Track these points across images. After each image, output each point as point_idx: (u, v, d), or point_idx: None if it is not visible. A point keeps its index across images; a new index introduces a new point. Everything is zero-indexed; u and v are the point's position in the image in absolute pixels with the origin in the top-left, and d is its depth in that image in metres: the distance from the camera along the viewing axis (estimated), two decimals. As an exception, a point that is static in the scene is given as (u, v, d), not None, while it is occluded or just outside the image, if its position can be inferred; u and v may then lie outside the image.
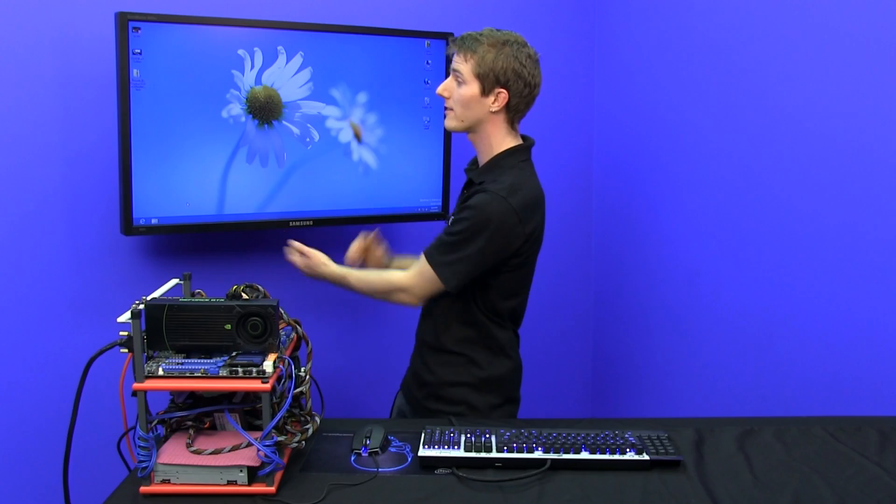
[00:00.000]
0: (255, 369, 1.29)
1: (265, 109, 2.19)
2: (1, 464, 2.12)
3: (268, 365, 1.30)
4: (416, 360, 1.90)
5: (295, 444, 1.38)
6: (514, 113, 1.76)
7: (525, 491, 1.32)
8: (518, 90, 1.73)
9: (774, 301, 2.05)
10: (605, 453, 1.39)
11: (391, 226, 2.50)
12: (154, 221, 2.08)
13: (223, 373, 1.30)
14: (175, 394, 1.43)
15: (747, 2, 2.10)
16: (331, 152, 2.31)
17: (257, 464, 1.31)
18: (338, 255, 2.53)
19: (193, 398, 1.43)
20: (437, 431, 1.47)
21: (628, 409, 2.77)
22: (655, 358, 2.61)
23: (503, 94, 1.72)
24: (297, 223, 2.28)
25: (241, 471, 1.31)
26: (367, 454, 1.45)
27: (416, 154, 2.42)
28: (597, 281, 2.95)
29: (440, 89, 1.78)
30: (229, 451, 1.33)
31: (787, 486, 1.32)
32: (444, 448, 1.41)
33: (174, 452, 1.33)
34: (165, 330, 1.33)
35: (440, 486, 1.34)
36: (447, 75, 1.83)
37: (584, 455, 1.39)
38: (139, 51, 1.99)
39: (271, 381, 1.29)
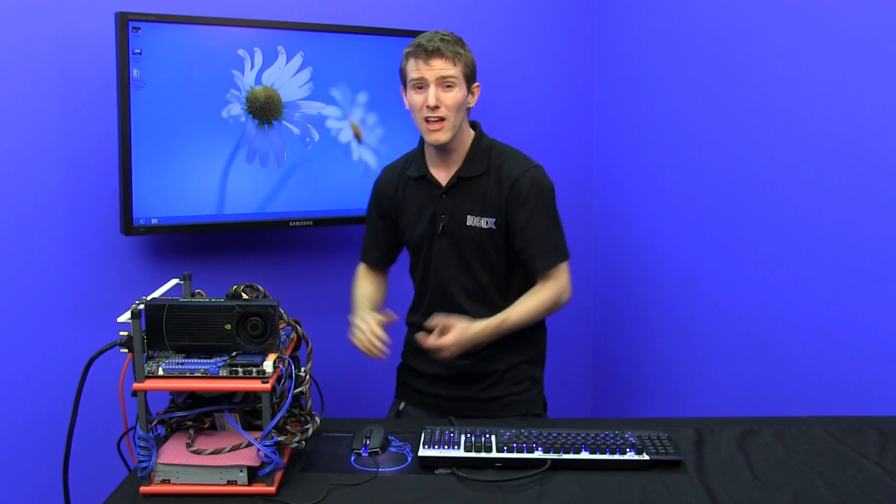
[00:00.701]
0: (255, 369, 1.29)
1: (265, 109, 2.19)
2: (1, 464, 2.12)
3: (268, 365, 1.30)
4: (458, 359, 1.81)
5: (295, 444, 1.38)
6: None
7: (525, 491, 1.32)
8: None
9: (774, 301, 2.05)
10: (605, 453, 1.39)
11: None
12: (154, 221, 2.08)
13: (223, 373, 1.30)
14: (175, 394, 1.43)
15: (747, 2, 2.10)
16: (331, 152, 2.31)
17: (257, 464, 1.32)
18: (338, 255, 2.54)
19: (193, 398, 1.43)
20: (437, 431, 1.47)
21: (628, 409, 2.77)
22: (655, 358, 2.61)
23: (477, 88, 1.82)
24: (297, 223, 2.28)
25: (241, 471, 1.31)
26: (367, 454, 1.45)
27: (416, 154, 2.42)
28: (597, 281, 2.95)
29: (432, 101, 1.71)
30: (229, 451, 1.33)
31: (787, 486, 1.32)
32: (444, 448, 1.41)
33: (174, 452, 1.33)
34: (165, 330, 1.33)
35: (440, 486, 1.34)
36: (403, 84, 1.79)
37: (584, 455, 1.39)
38: (139, 51, 1.99)
39: (271, 381, 1.29)
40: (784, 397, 2.03)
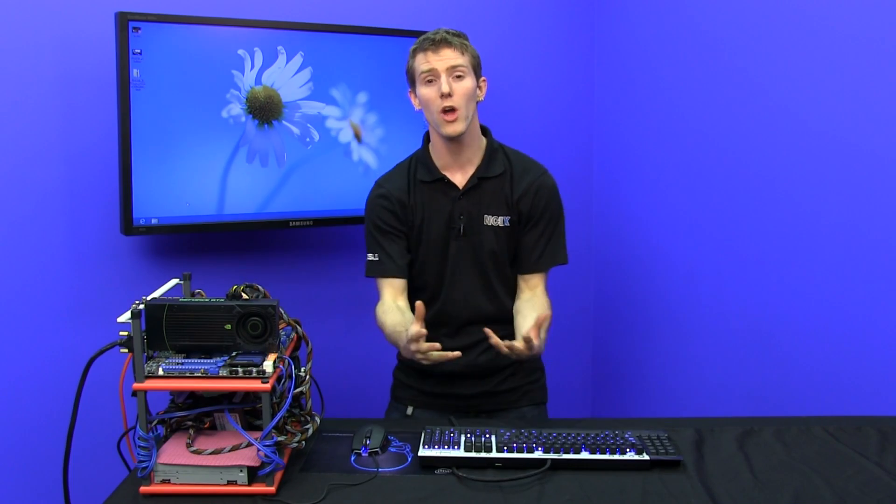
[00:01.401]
0: (255, 369, 1.29)
1: (265, 109, 2.19)
2: (1, 464, 2.12)
3: (268, 365, 1.30)
4: (474, 356, 1.84)
5: (295, 444, 1.38)
6: None
7: (525, 491, 1.32)
8: None
9: (774, 301, 2.05)
10: (605, 453, 1.39)
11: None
12: (154, 221, 2.08)
13: (223, 373, 1.30)
14: (175, 394, 1.43)
15: (747, 2, 2.10)
16: (331, 152, 2.31)
17: (257, 464, 1.31)
18: (338, 255, 2.53)
19: (193, 398, 1.43)
20: (437, 431, 1.47)
21: (628, 409, 2.77)
22: (655, 358, 2.61)
23: (485, 82, 1.85)
24: (297, 223, 2.29)
25: (241, 471, 1.31)
26: (367, 454, 1.45)
27: (416, 154, 2.42)
28: (597, 281, 2.95)
29: (445, 88, 1.71)
30: (229, 451, 1.33)
31: (787, 486, 1.32)
32: (444, 448, 1.41)
33: (174, 452, 1.33)
34: (165, 330, 1.33)
35: (440, 486, 1.34)
36: (412, 84, 1.80)
37: (584, 455, 1.39)
38: (139, 51, 1.99)
39: (271, 381, 1.29)
40: (784, 397, 2.03)
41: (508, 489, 1.33)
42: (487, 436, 1.44)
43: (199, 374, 1.30)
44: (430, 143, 1.86)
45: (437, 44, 1.74)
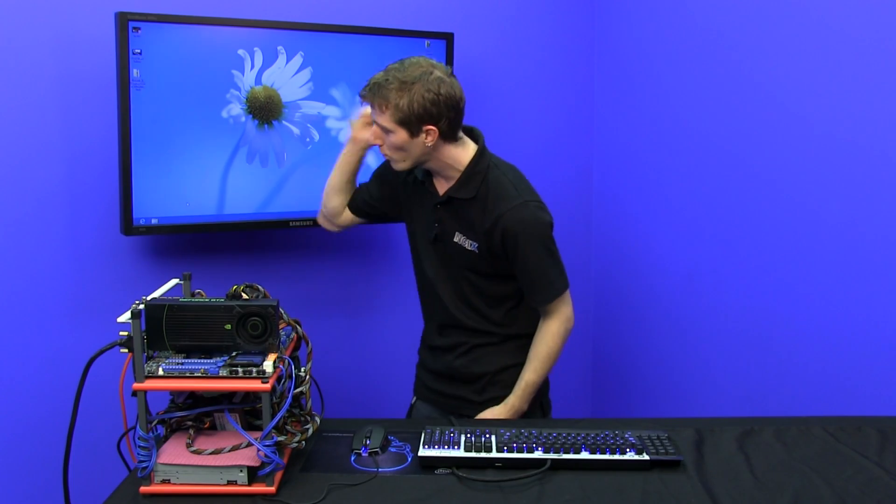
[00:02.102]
0: (255, 369, 1.29)
1: (265, 109, 2.19)
2: (1, 464, 2.12)
3: (268, 365, 1.30)
4: (452, 358, 1.87)
5: (295, 444, 1.38)
6: (450, 133, 1.73)
7: (525, 491, 1.32)
8: (444, 117, 1.68)
9: (774, 301, 2.05)
10: (605, 453, 1.39)
11: (391, 226, 2.50)
12: (154, 221, 2.08)
13: (223, 373, 1.30)
14: (175, 394, 1.43)
15: (747, 3, 2.10)
16: (331, 152, 2.31)
17: (257, 464, 1.31)
18: (338, 255, 2.54)
19: (193, 398, 1.43)
20: (437, 431, 1.47)
21: (628, 409, 2.77)
22: (655, 358, 2.61)
23: (432, 130, 1.69)
24: (297, 223, 2.29)
25: (241, 471, 1.31)
26: (367, 454, 1.45)
27: (416, 154, 2.42)
28: (597, 281, 2.95)
29: (372, 139, 1.74)
30: (229, 451, 1.33)
31: (787, 486, 1.32)
32: (444, 448, 1.41)
33: (174, 452, 1.33)
34: (165, 330, 1.33)
35: (440, 486, 1.34)
36: None
37: (584, 455, 1.39)
38: (139, 51, 1.99)
39: (271, 381, 1.29)
40: (784, 397, 2.03)
41: (508, 489, 1.33)
42: (487, 436, 1.44)
43: (199, 374, 1.30)
44: None
45: (366, 96, 1.71)
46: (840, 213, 1.84)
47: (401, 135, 1.68)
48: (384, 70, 1.70)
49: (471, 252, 1.78)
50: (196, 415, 1.41)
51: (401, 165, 1.76)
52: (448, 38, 2.40)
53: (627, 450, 1.40)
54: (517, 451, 1.39)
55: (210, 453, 1.32)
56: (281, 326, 1.43)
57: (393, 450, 1.48)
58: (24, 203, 2.09)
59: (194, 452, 1.33)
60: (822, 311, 1.90)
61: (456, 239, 1.79)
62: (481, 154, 1.78)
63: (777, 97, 2.01)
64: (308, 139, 2.27)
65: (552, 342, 1.83)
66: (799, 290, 1.97)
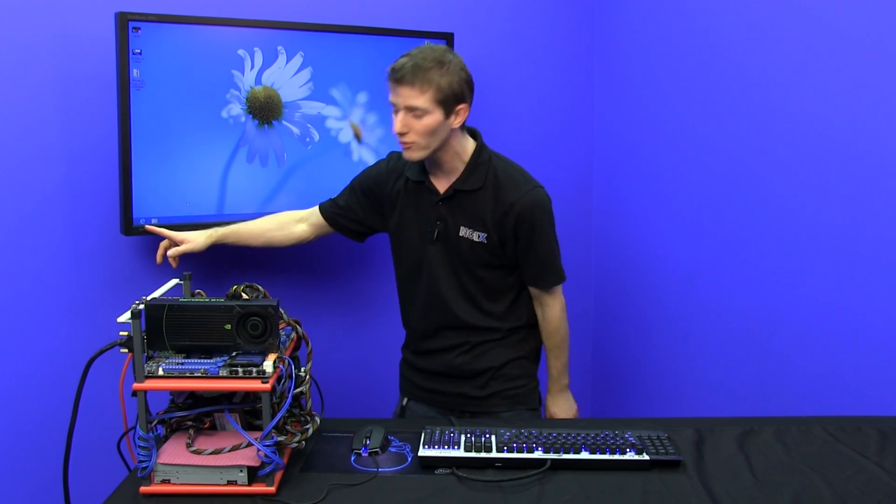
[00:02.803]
0: (255, 369, 1.29)
1: (265, 109, 2.19)
2: (1, 464, 2.12)
3: (268, 365, 1.30)
4: (452, 357, 1.89)
5: (295, 444, 1.38)
6: (467, 117, 1.78)
7: (525, 491, 1.32)
8: (470, 97, 1.76)
9: (774, 301, 2.05)
10: (605, 453, 1.39)
11: (391, 226, 2.50)
12: (154, 221, 2.08)
13: (223, 373, 1.30)
14: (175, 394, 1.43)
15: (747, 3, 2.10)
16: (331, 152, 2.31)
17: (257, 464, 1.32)
18: (338, 255, 2.53)
19: (193, 398, 1.43)
20: (437, 431, 1.47)
21: (628, 409, 2.77)
22: (655, 358, 2.61)
23: (463, 108, 1.74)
24: (297, 223, 2.28)
25: (241, 471, 1.31)
26: (367, 454, 1.45)
27: (416, 154, 2.42)
28: (597, 281, 2.95)
29: (399, 128, 1.71)
30: (229, 451, 1.33)
31: (787, 486, 1.32)
32: (444, 448, 1.41)
33: (174, 452, 1.33)
34: (165, 330, 1.33)
35: (440, 486, 1.34)
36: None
37: (584, 455, 1.39)
38: (139, 51, 1.99)
39: (271, 381, 1.29)
40: (784, 397, 2.03)
41: (508, 489, 1.33)
42: (487, 436, 1.44)
43: (199, 374, 1.30)
44: None
45: (397, 80, 1.69)
46: (840, 212, 1.84)
47: (436, 116, 1.70)
48: (407, 56, 1.71)
49: (479, 244, 1.80)
50: (196, 415, 1.41)
51: (418, 154, 1.74)
52: (448, 38, 2.40)
53: (627, 450, 1.40)
54: (517, 451, 1.39)
55: (210, 453, 1.33)
56: (281, 326, 1.43)
57: (393, 450, 1.48)
58: (24, 203, 2.09)
59: (194, 452, 1.33)
60: (823, 310, 1.90)
61: (462, 233, 1.81)
62: (482, 146, 1.83)
63: (777, 97, 2.01)
64: (308, 139, 2.27)
65: (563, 326, 1.93)
66: (799, 289, 1.97)
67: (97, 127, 2.13)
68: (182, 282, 1.56)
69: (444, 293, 1.84)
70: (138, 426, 1.31)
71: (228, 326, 1.33)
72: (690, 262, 2.40)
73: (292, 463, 1.42)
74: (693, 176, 2.36)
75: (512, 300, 1.89)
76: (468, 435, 1.45)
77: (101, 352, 1.36)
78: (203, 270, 2.30)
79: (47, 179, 2.11)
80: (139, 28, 1.98)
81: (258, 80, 2.16)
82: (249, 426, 1.41)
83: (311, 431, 1.42)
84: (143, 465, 1.31)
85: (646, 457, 1.39)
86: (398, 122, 1.71)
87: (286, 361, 1.35)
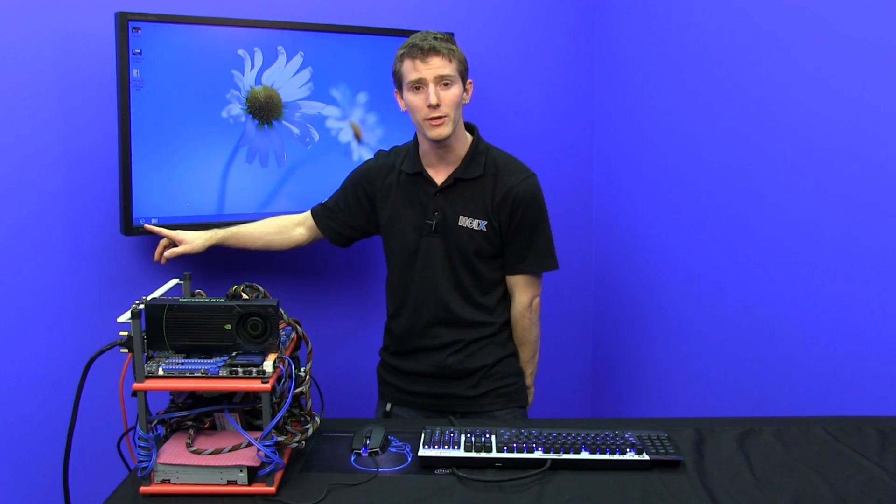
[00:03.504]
0: (255, 369, 1.29)
1: (265, 109, 2.19)
2: (1, 464, 2.12)
3: (268, 365, 1.30)
4: (443, 357, 1.89)
5: (295, 444, 1.38)
6: None
7: (525, 491, 1.32)
8: None
9: (774, 301, 2.05)
10: (605, 453, 1.39)
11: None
12: (154, 221, 2.08)
13: (223, 373, 1.30)
14: (175, 394, 1.43)
15: (747, 3, 2.10)
16: (331, 152, 2.31)
17: (257, 464, 1.32)
18: (338, 255, 2.53)
19: (193, 398, 1.43)
20: (437, 431, 1.47)
21: (628, 409, 2.77)
22: (655, 358, 2.61)
23: (471, 85, 1.85)
24: (297, 223, 2.28)
25: (241, 471, 1.31)
26: (367, 454, 1.45)
27: (416, 154, 2.42)
28: (597, 281, 2.95)
29: (434, 100, 1.73)
30: (229, 451, 1.33)
31: (787, 486, 1.32)
32: (444, 448, 1.41)
33: (174, 452, 1.33)
34: (165, 330, 1.33)
35: (440, 486, 1.34)
36: (398, 86, 1.84)
37: (584, 455, 1.39)
38: (139, 51, 1.99)
39: (271, 381, 1.29)
40: (784, 397, 2.03)
41: (508, 489, 1.33)
42: (487, 436, 1.44)
43: (199, 374, 1.30)
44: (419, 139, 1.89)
45: (425, 52, 1.74)
46: (840, 212, 1.84)
47: (460, 87, 1.78)
48: (418, 36, 1.78)
49: (478, 232, 1.82)
50: (196, 415, 1.41)
51: (448, 129, 1.77)
52: (453, 41, 2.40)
53: (627, 450, 1.40)
54: (517, 451, 1.39)
55: (210, 453, 1.33)
56: (281, 326, 1.43)
57: (393, 450, 1.48)
58: (24, 203, 2.09)
59: (194, 452, 1.33)
60: (823, 310, 1.90)
61: (461, 223, 1.83)
62: (479, 138, 1.88)
63: (777, 96, 2.01)
64: (308, 139, 2.27)
65: (537, 321, 1.95)
66: (799, 289, 1.97)
67: (97, 127, 2.13)
68: (182, 282, 1.56)
69: (439, 285, 1.85)
70: (138, 426, 1.31)
71: (228, 326, 1.33)
72: (690, 261, 2.40)
73: (292, 463, 1.42)
74: (693, 175, 2.36)
75: (503, 293, 1.91)
76: (468, 435, 1.45)
77: (101, 352, 1.36)
78: (203, 270, 2.30)
79: (47, 179, 2.11)
80: (139, 28, 1.98)
81: (258, 80, 2.16)
82: (249, 426, 1.41)
83: (311, 431, 1.42)
84: (143, 465, 1.31)
85: (646, 457, 1.39)
86: (432, 94, 1.74)
87: (286, 361, 1.35)
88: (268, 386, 1.29)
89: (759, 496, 1.29)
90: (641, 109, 2.61)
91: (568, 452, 1.39)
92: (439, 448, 1.41)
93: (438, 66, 1.74)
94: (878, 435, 1.51)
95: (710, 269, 2.30)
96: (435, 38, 1.75)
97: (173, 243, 1.98)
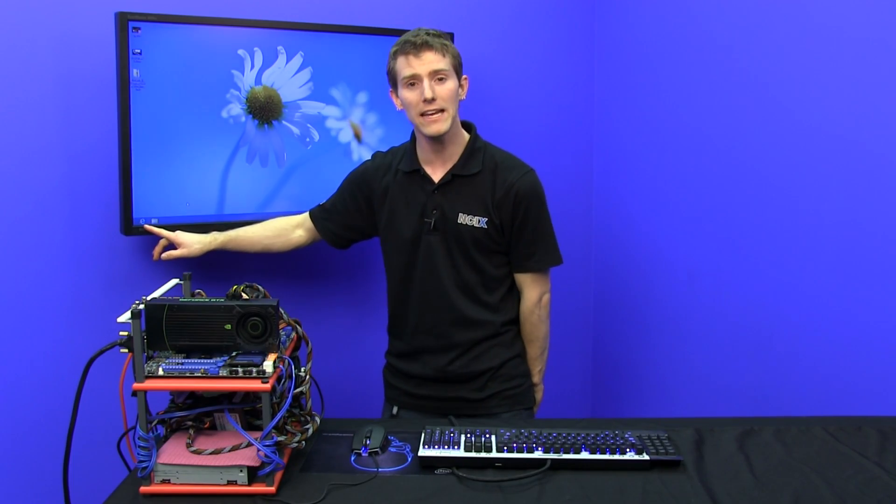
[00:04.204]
0: (255, 369, 1.29)
1: (265, 109, 2.19)
2: (1, 464, 2.12)
3: (268, 365, 1.30)
4: (447, 362, 1.88)
5: (295, 444, 1.38)
6: None
7: (525, 491, 1.32)
8: None
9: (774, 301, 2.05)
10: (605, 453, 1.39)
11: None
12: (154, 221, 2.08)
13: (223, 373, 1.30)
14: (175, 394, 1.43)
15: (747, 3, 2.10)
16: (331, 152, 2.31)
17: (257, 464, 1.32)
18: (338, 255, 2.53)
19: (193, 398, 1.43)
20: (437, 431, 1.47)
21: (628, 409, 2.77)
22: (655, 358, 2.61)
23: (465, 80, 1.84)
24: (297, 223, 2.28)
25: (241, 471, 1.31)
26: (367, 454, 1.45)
27: (416, 154, 2.42)
28: (597, 281, 2.95)
29: (429, 94, 1.73)
30: (229, 451, 1.33)
31: (787, 486, 1.32)
32: (444, 448, 1.41)
33: (174, 452, 1.33)
34: (165, 330, 1.33)
35: (440, 486, 1.34)
36: (393, 85, 1.84)
37: (584, 455, 1.39)
38: (139, 51, 1.99)
39: (271, 381, 1.29)
40: (784, 397, 2.03)
41: (508, 489, 1.33)
42: (487, 436, 1.44)
43: (199, 374, 1.30)
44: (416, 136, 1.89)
45: (418, 47, 1.73)
46: (840, 212, 1.84)
47: (455, 81, 1.78)
48: (410, 33, 1.78)
49: (479, 229, 1.82)
50: (196, 415, 1.41)
51: (445, 124, 1.77)
52: (448, 37, 2.40)
53: (627, 450, 1.40)
54: (517, 451, 1.39)
55: (210, 453, 1.33)
56: (281, 326, 1.43)
57: (393, 450, 1.48)
58: (24, 203, 2.09)
59: (194, 452, 1.33)
60: (823, 310, 1.90)
61: (461, 220, 1.82)
62: (476, 136, 1.88)
63: (777, 96, 2.01)
64: (308, 139, 2.27)
65: (546, 318, 1.94)
66: (799, 289, 1.97)
67: (97, 127, 2.13)
68: (182, 282, 1.56)
69: (442, 284, 1.84)
70: (138, 426, 1.31)
71: (228, 326, 1.33)
72: (690, 261, 2.40)
73: (292, 463, 1.42)
74: (693, 175, 2.36)
75: (507, 290, 1.91)
76: (468, 435, 1.45)
77: (101, 352, 1.36)
78: (203, 270, 2.30)
79: (47, 179, 2.11)
80: (139, 28, 1.98)
81: (258, 80, 2.16)
82: (249, 426, 1.41)
83: (311, 431, 1.42)
84: (143, 465, 1.31)
85: (646, 457, 1.39)
86: (427, 88, 1.73)
87: (286, 361, 1.35)
88: (268, 386, 1.29)
89: (759, 496, 1.29)
90: (641, 109, 2.61)
91: (568, 452, 1.39)
92: (439, 448, 1.41)
93: (432, 60, 1.73)
94: (878, 435, 1.51)
95: (710, 269, 2.30)
96: (427, 34, 1.75)
97: (172, 245, 1.97)
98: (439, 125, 1.76)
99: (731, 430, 1.54)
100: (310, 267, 2.51)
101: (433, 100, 1.73)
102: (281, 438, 1.34)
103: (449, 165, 1.83)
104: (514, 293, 1.93)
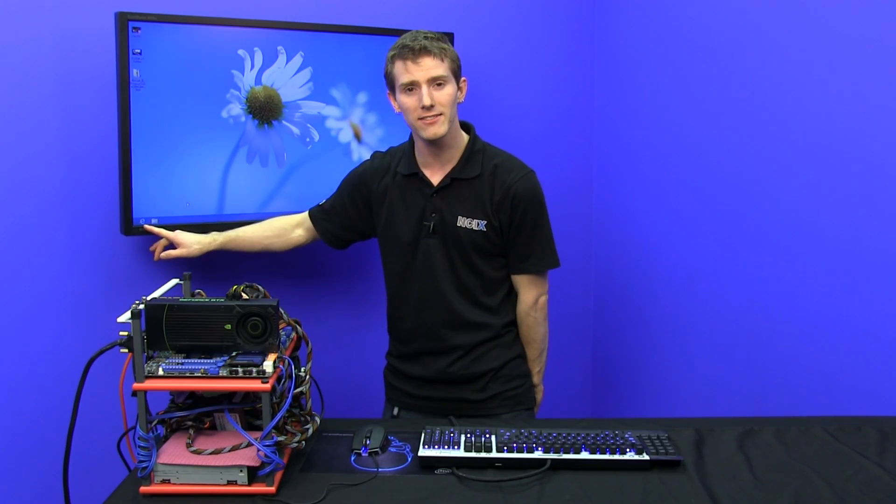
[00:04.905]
0: (255, 369, 1.29)
1: (265, 109, 2.19)
2: (1, 464, 2.12)
3: (268, 365, 1.30)
4: (447, 364, 1.88)
5: (295, 444, 1.38)
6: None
7: (525, 491, 1.32)
8: None
9: (774, 301, 2.05)
10: (605, 453, 1.39)
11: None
12: (154, 221, 2.08)
13: (223, 373, 1.30)
14: (175, 394, 1.43)
15: (747, 3, 2.10)
16: (331, 152, 2.31)
17: (257, 464, 1.32)
18: (338, 255, 2.54)
19: (193, 398, 1.43)
20: (437, 431, 1.47)
21: (628, 409, 2.77)
22: (655, 358, 2.61)
23: (464, 83, 1.84)
24: (297, 223, 2.28)
25: (241, 471, 1.31)
26: (367, 454, 1.45)
27: (416, 154, 2.42)
28: (597, 281, 2.95)
29: (427, 101, 1.72)
30: (229, 451, 1.33)
31: (787, 486, 1.32)
32: (444, 448, 1.41)
33: (174, 452, 1.33)
34: (165, 330, 1.33)
35: (440, 486, 1.34)
36: (391, 88, 1.82)
37: (584, 455, 1.39)
38: (139, 51, 1.99)
39: (271, 381, 1.29)
40: (784, 397, 2.03)
41: (508, 489, 1.33)
42: (487, 436, 1.44)
43: (199, 374, 1.30)
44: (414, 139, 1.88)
45: (416, 53, 1.72)
46: (840, 212, 1.84)
47: (453, 86, 1.77)
48: (407, 36, 1.76)
49: (478, 232, 1.81)
50: (196, 415, 1.41)
51: (444, 128, 1.76)
52: (448, 38, 2.40)
53: (627, 450, 1.40)
54: (517, 451, 1.39)
55: (210, 453, 1.33)
56: (281, 326, 1.43)
57: (393, 450, 1.48)
58: (24, 203, 2.09)
59: (194, 452, 1.33)
60: (823, 310, 1.90)
61: (460, 223, 1.81)
62: (475, 137, 1.87)
63: (777, 96, 2.01)
64: (308, 139, 2.27)
65: (544, 320, 1.94)
66: (799, 289, 1.97)
67: (97, 127, 2.13)
68: (182, 282, 1.56)
69: (441, 287, 1.84)
70: (138, 426, 1.31)
71: (228, 326, 1.33)
72: (690, 261, 2.40)
73: (292, 463, 1.42)
74: (693, 175, 2.36)
75: (507, 292, 1.90)
76: (468, 435, 1.45)
77: (101, 352, 1.36)
78: (203, 270, 2.30)
79: (47, 179, 2.11)
80: (139, 28, 1.98)
81: (258, 80, 2.16)
82: (249, 426, 1.41)
83: (311, 431, 1.42)
84: (143, 465, 1.31)
85: (646, 457, 1.39)
86: (425, 95, 1.72)
87: (286, 361, 1.35)
88: (268, 386, 1.29)
89: (759, 496, 1.29)
90: (641, 109, 2.61)
91: (568, 452, 1.39)
92: (439, 448, 1.41)
93: (430, 66, 1.72)
94: (878, 435, 1.51)
95: (710, 269, 2.30)
96: (426, 38, 1.73)
97: (172, 244, 1.98)
98: (437, 128, 1.75)
99: (731, 430, 1.54)
100: (310, 267, 2.51)
101: (431, 106, 1.73)
102: (281, 438, 1.34)
103: (448, 168, 1.82)
104: (515, 294, 1.92)
